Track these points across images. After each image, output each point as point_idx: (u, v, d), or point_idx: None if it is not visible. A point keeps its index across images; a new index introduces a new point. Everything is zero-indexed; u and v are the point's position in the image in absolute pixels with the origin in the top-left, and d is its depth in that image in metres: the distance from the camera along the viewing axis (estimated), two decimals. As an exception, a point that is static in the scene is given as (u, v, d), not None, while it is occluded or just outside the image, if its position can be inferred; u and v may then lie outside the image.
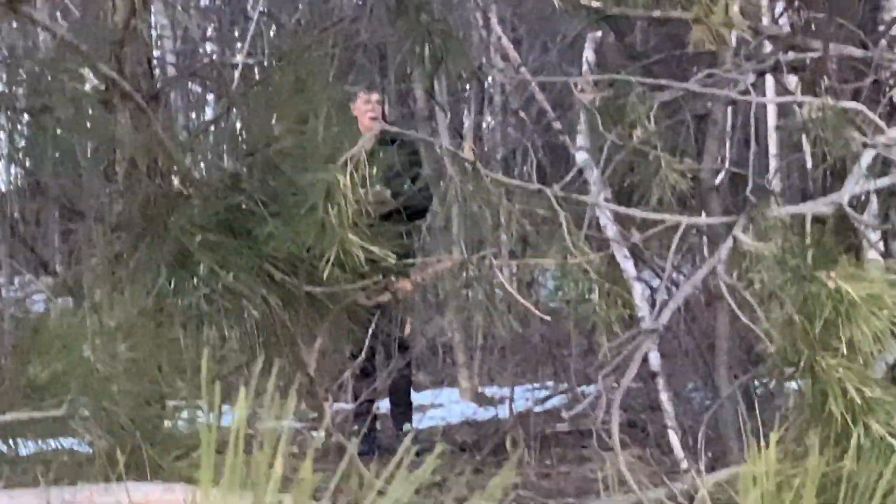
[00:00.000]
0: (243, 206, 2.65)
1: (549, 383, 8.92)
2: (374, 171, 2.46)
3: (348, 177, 2.33)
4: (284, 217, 2.41)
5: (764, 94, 7.09)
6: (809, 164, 8.33)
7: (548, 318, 2.55)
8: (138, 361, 2.29)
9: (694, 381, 8.00)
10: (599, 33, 7.43)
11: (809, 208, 2.66)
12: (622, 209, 2.68)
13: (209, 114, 10.17)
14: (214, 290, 2.51)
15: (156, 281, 2.35)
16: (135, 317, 2.33)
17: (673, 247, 2.61)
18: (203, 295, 2.49)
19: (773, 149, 8.26)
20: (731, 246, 2.55)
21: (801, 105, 3.21)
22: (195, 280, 2.50)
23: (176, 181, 2.58)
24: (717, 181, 5.24)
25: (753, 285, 2.45)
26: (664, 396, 6.58)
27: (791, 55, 3.62)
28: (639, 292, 6.46)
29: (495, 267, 2.39)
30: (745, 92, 3.37)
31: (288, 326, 2.61)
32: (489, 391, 9.26)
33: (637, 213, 2.70)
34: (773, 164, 8.46)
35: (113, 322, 2.29)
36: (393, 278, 2.46)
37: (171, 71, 7.33)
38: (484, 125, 9.66)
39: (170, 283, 2.39)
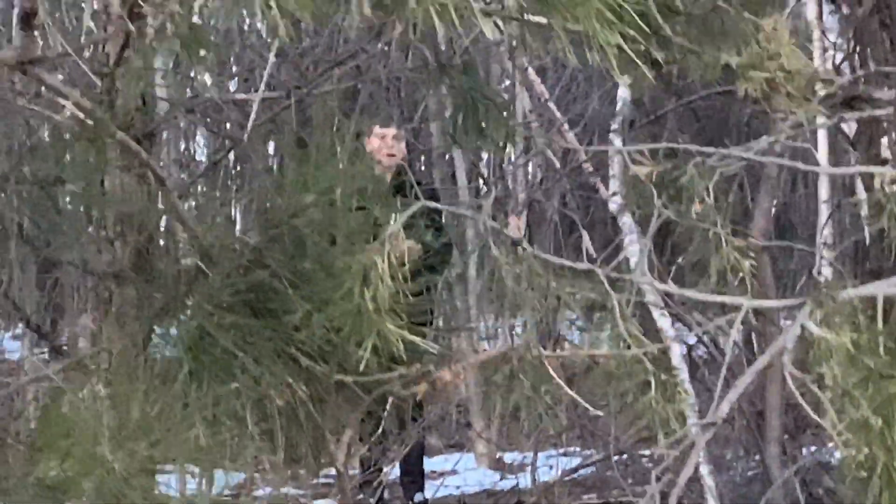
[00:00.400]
0: (266, 284, 2.70)
1: (575, 449, 8.95)
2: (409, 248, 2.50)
3: (386, 260, 2.38)
4: (316, 301, 2.46)
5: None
6: (864, 213, 8.39)
7: (601, 413, 2.58)
8: (155, 459, 2.34)
9: (735, 447, 8.02)
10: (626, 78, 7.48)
11: (882, 289, 2.69)
12: (679, 290, 2.72)
13: (201, 153, 10.25)
14: (236, 375, 2.55)
15: (176, 371, 2.40)
16: (152, 410, 2.37)
17: (734, 332, 2.65)
18: (224, 380, 2.53)
19: (823, 193, 8.30)
20: (797, 334, 2.59)
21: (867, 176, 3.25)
22: (216, 368, 2.55)
23: (189, 258, 2.63)
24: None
25: (824, 380, 2.48)
26: (705, 469, 6.58)
27: (854, 112, 3.67)
28: (677, 353, 6.51)
29: (545, 359, 2.43)
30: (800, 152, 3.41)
31: (314, 415, 2.65)
32: (508, 457, 9.28)
33: (695, 294, 2.74)
34: (823, 211, 8.50)
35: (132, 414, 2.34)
36: (432, 367, 2.51)
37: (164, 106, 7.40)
38: (506, 163, 9.73)
39: (190, 374, 2.44)
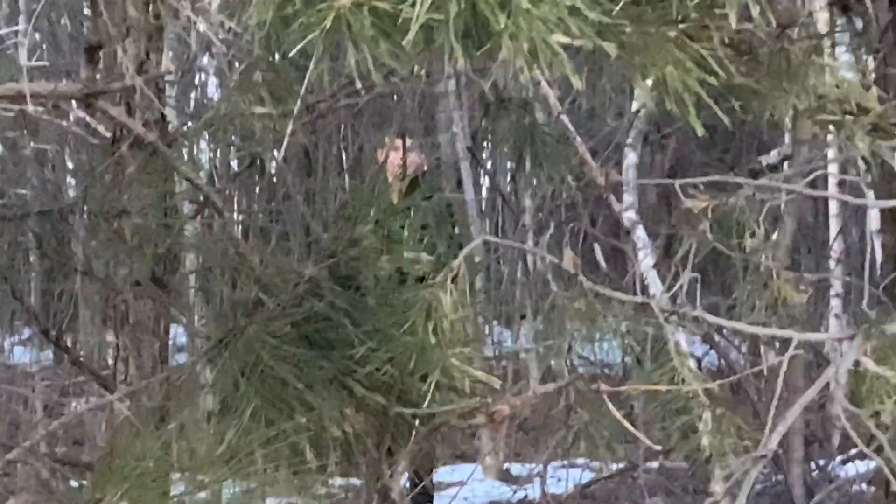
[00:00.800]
0: (322, 314, 2.73)
1: (582, 460, 8.97)
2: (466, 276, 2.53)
3: (448, 295, 2.41)
4: (373, 333, 2.49)
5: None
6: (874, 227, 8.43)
7: (659, 447, 2.60)
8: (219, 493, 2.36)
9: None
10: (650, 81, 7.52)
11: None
12: (730, 323, 2.75)
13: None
14: (293, 406, 2.58)
15: (242, 412, 2.42)
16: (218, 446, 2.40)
17: (784, 366, 2.68)
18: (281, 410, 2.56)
19: (872, 224, 8.35)
20: (849, 368, 2.61)
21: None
22: (273, 398, 2.57)
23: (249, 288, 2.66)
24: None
25: (879, 416, 2.51)
26: (717, 487, 6.58)
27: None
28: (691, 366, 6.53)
29: (602, 392, 2.46)
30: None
31: (367, 446, 2.68)
32: (515, 469, 9.29)
33: (746, 327, 2.77)
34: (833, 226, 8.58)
35: (199, 449, 2.37)
36: (489, 400, 2.53)
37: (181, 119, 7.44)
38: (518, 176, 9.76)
39: (256, 417, 2.46)
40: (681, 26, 2.04)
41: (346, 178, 10.67)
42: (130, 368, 4.88)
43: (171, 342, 4.72)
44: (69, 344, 7.88)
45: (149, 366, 4.99)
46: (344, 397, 2.60)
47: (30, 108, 2.44)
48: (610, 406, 2.46)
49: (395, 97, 9.23)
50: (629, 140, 7.32)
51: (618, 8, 1.91)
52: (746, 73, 2.30)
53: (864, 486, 7.63)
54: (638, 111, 7.23)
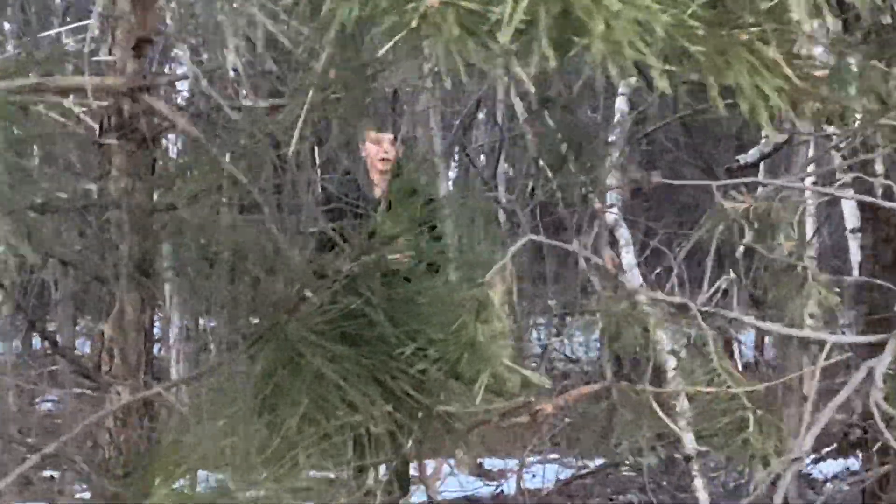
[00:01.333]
0: (358, 311, 2.72)
1: (555, 456, 9.00)
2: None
3: (497, 294, 2.41)
4: (411, 331, 2.48)
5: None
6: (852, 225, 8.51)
7: (707, 449, 2.61)
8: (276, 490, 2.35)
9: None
10: (633, 79, 7.54)
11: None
12: (766, 325, 2.77)
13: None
14: (333, 403, 2.57)
15: (289, 409, 2.41)
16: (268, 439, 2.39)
17: (817, 371, 2.70)
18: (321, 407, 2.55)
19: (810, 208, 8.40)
20: (884, 371, 2.63)
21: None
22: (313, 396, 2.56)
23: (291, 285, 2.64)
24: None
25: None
26: (699, 483, 6.62)
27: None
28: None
29: (648, 392, 2.47)
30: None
31: (401, 443, 2.67)
32: (488, 463, 9.31)
33: (779, 329, 2.79)
34: (809, 224, 8.62)
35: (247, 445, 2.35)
36: (532, 399, 2.54)
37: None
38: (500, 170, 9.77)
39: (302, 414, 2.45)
40: (751, 30, 2.05)
41: (319, 172, 10.61)
42: (116, 359, 4.86)
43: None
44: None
45: (133, 358, 4.97)
46: (384, 395, 2.59)
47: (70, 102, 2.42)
48: (655, 406, 2.47)
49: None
50: (612, 138, 7.34)
51: (693, 6, 1.91)
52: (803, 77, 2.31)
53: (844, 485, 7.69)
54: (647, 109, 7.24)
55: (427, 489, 2.71)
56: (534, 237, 2.48)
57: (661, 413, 2.46)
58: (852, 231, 8.61)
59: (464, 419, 2.60)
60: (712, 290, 2.72)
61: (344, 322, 2.68)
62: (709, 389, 2.51)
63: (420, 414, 2.62)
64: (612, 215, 7.11)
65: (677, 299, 2.70)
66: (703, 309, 2.72)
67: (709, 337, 2.66)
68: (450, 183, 9.28)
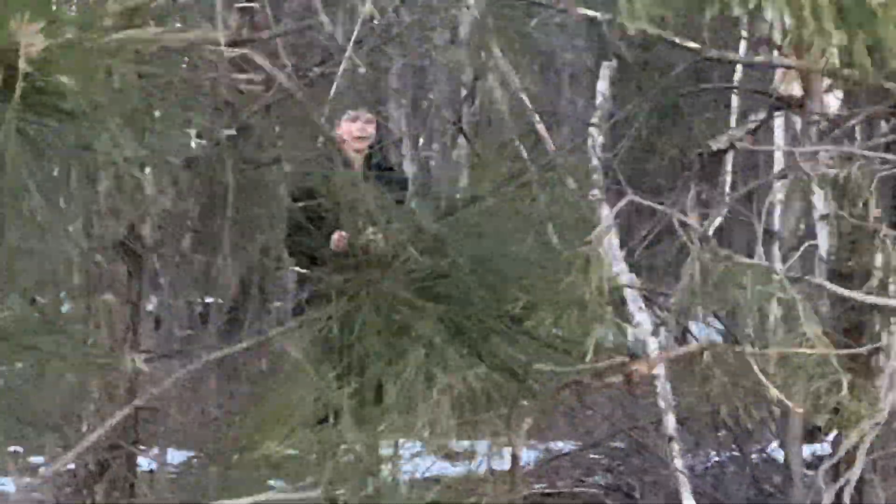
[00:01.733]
0: (441, 271, 2.71)
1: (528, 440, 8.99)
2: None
3: (602, 251, 2.41)
4: (533, 291, 2.47)
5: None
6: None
7: (801, 409, 2.62)
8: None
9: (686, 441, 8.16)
10: (615, 62, 7.56)
11: None
12: (846, 291, 2.79)
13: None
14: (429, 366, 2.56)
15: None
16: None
17: (895, 344, 2.72)
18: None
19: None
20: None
21: None
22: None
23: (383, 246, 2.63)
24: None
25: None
26: (678, 463, 6.64)
27: None
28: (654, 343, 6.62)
29: (749, 355, 2.48)
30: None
31: (493, 400, 2.67)
32: (456, 445, 9.28)
33: (860, 296, 2.81)
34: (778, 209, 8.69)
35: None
36: (628, 359, 2.54)
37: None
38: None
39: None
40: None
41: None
42: (103, 332, 4.82)
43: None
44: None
45: (121, 329, 4.92)
46: (478, 355, 2.59)
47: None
48: (755, 368, 2.48)
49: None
50: (594, 120, 7.34)
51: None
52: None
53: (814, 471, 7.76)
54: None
55: (514, 448, 2.71)
56: (634, 198, 2.47)
57: (760, 375, 2.47)
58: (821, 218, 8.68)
59: (555, 379, 2.60)
60: (795, 256, 2.74)
61: (432, 281, 2.67)
62: (810, 350, 2.53)
63: (516, 373, 2.61)
64: (593, 195, 7.12)
65: (764, 263, 2.72)
66: (790, 275, 2.73)
67: (797, 301, 2.67)
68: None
